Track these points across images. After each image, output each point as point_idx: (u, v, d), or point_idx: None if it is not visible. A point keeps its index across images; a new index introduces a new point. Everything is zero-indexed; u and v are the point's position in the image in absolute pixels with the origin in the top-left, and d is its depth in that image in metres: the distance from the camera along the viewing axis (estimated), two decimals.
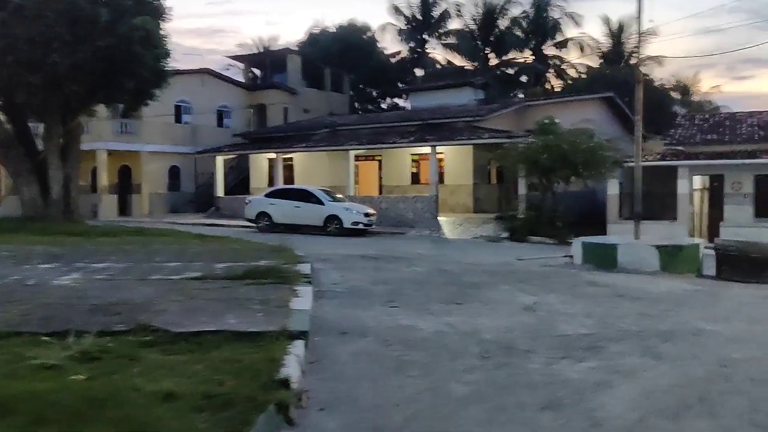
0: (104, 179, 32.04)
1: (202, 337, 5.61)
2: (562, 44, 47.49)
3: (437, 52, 50.88)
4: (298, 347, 5.47)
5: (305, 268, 10.24)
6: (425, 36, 50.09)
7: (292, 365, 4.97)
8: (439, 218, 25.52)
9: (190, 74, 36.17)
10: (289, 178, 31.87)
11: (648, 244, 12.99)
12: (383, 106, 52.22)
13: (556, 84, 47.85)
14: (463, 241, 22.12)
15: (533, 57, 47.35)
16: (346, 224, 22.78)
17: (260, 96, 40.76)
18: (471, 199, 28.59)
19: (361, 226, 23.03)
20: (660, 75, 46.37)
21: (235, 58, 47.08)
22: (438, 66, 49.72)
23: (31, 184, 21.41)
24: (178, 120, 36.21)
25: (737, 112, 30.34)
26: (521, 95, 42.25)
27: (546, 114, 25.19)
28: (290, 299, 7.31)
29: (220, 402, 4.06)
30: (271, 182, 31.42)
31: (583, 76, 45.75)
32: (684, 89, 48.40)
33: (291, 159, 32.54)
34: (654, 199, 23.29)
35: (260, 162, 33.85)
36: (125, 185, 33.86)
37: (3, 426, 3.61)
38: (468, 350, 6.04)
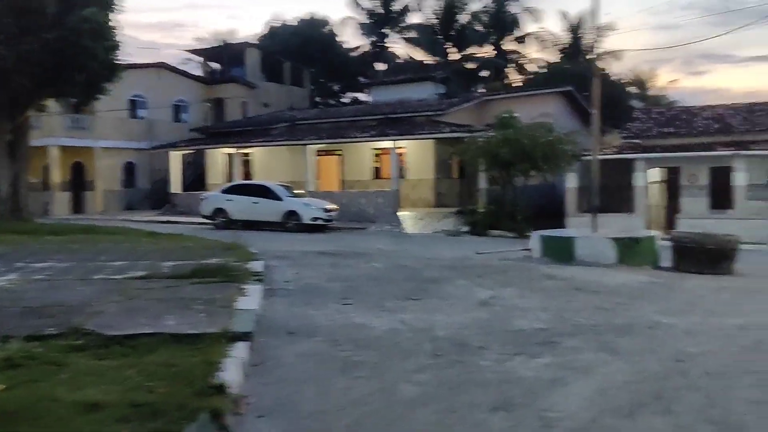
0: (56, 176, 31.11)
1: (137, 340, 5.30)
2: (521, 39, 47.72)
3: (398, 46, 50.76)
4: (240, 349, 5.20)
5: (257, 265, 9.93)
6: (386, 30, 49.84)
7: (232, 369, 4.70)
8: (400, 213, 25.35)
9: (145, 68, 35.32)
10: (247, 174, 31.33)
11: (605, 237, 12.97)
12: (344, 100, 51.83)
13: (516, 79, 48.06)
14: (424, 236, 21.98)
15: (494, 52, 47.48)
16: (305, 220, 22.44)
17: (218, 90, 40.06)
18: (433, 193, 28.48)
19: (320, 222, 22.71)
20: (617, 70, 46.89)
21: (193, 51, 46.17)
22: (399, 60, 49.52)
23: None
24: (133, 115, 35.35)
25: (693, 106, 30.77)
26: (482, 90, 42.34)
27: (506, 108, 25.18)
28: (237, 299, 7.02)
29: (148, 411, 3.78)
30: (228, 178, 30.84)
31: (543, 70, 46.03)
32: (641, 84, 49.06)
33: (249, 154, 31.99)
34: (612, 192, 23.44)
35: (217, 157, 33.21)
36: (78, 182, 32.92)
37: None
38: (421, 348, 5.83)
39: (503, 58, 47.04)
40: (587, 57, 40.71)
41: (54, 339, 5.30)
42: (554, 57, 47.07)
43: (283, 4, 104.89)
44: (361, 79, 48.05)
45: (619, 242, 12.69)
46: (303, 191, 25.30)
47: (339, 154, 30.74)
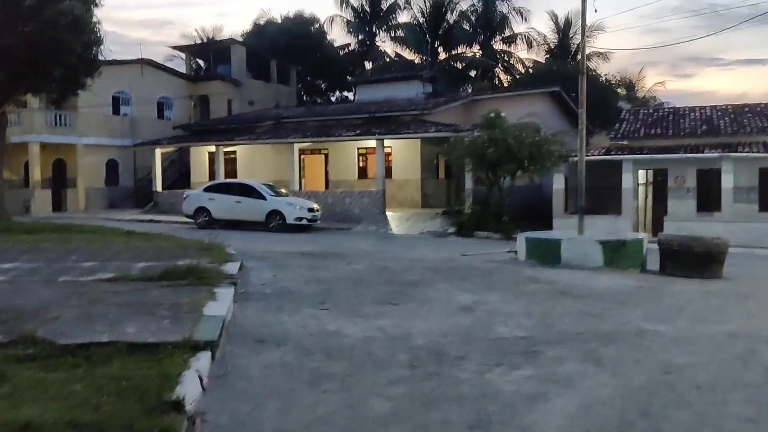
0: (37, 173, 30.52)
1: (91, 349, 4.95)
2: (510, 39, 47.42)
3: (386, 45, 50.40)
4: (202, 360, 4.87)
5: (232, 267, 9.56)
6: (374, 29, 49.46)
7: (190, 382, 4.36)
8: (386, 213, 25.05)
9: (128, 64, 34.80)
10: (231, 172, 30.90)
11: (591, 240, 12.71)
12: (332, 98, 51.43)
13: (505, 79, 47.84)
14: (409, 237, 21.68)
15: (481, 51, 47.22)
16: (289, 220, 22.08)
17: (203, 87, 39.57)
18: (419, 193, 28.18)
19: (304, 222, 22.37)
20: (606, 70, 46.78)
21: (179, 48, 45.61)
22: (387, 59, 49.18)
23: None
24: (116, 112, 34.81)
25: (680, 107, 30.62)
26: (470, 89, 42.06)
27: (493, 108, 24.91)
28: (206, 303, 6.66)
29: None
30: (212, 176, 30.39)
31: (531, 70, 45.83)
32: (629, 85, 48.95)
33: (234, 152, 31.56)
34: (599, 193, 23.25)
35: (201, 155, 32.74)
36: (60, 180, 32.36)
37: None
38: (395, 358, 5.51)
39: (491, 57, 46.76)
40: (576, 57, 40.54)
41: (1, 348, 4.94)
42: (542, 57, 46.91)
43: (272, 2, 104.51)
44: (349, 78, 47.67)
45: (605, 245, 12.44)
46: (287, 190, 24.92)
47: (325, 153, 30.39)
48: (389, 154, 28.01)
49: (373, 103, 31.41)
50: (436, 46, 46.86)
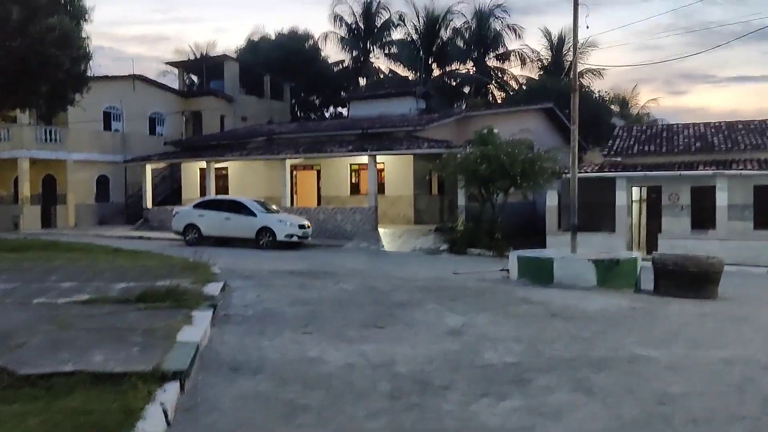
0: (26, 189, 30.24)
1: (53, 380, 4.67)
2: (504, 56, 47.52)
3: (380, 61, 50.44)
4: (169, 392, 4.59)
5: (214, 288, 9.28)
6: (368, 45, 49.51)
7: (154, 417, 4.10)
8: (378, 230, 24.81)
9: (119, 80, 34.68)
10: (223, 188, 30.66)
11: (584, 258, 12.48)
12: (326, 114, 51.36)
13: (498, 95, 47.85)
14: (401, 254, 21.43)
15: (475, 68, 47.26)
16: (280, 237, 21.82)
17: (195, 103, 39.43)
18: (412, 210, 27.97)
19: (295, 239, 22.11)
20: (599, 87, 46.90)
21: (172, 64, 45.58)
22: (381, 75, 49.17)
23: None
24: (107, 127, 34.59)
25: (674, 124, 30.56)
26: (464, 106, 42.00)
27: (486, 124, 24.77)
28: (181, 328, 6.38)
29: None
30: (203, 193, 30.14)
31: (525, 87, 45.86)
32: (623, 102, 49.03)
33: (225, 169, 31.35)
34: (593, 210, 23.08)
35: (192, 171, 32.50)
36: (50, 196, 32.06)
37: None
38: (376, 388, 5.25)
39: (485, 74, 46.81)
40: (568, 73, 40.55)
41: None
42: (536, 74, 46.96)
43: (266, 18, 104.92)
44: (343, 94, 47.64)
45: (599, 264, 12.21)
46: (277, 207, 24.67)
47: (317, 169, 30.19)
48: (382, 170, 27.84)
49: (366, 119, 31.27)
50: (429, 62, 46.89)
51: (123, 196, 34.60)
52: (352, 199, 28.59)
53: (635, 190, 25.52)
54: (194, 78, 46.88)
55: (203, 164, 30.75)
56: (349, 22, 48.50)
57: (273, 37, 50.25)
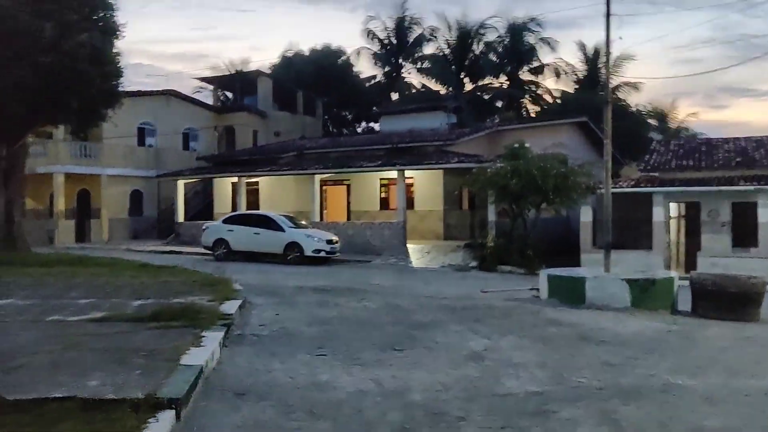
0: (61, 204, 30.62)
1: (45, 406, 4.44)
2: (538, 70, 46.99)
3: (412, 76, 50.28)
4: (162, 421, 4.33)
5: (231, 306, 9.06)
6: (400, 60, 49.45)
7: None
8: (407, 245, 24.48)
9: (154, 96, 35.09)
10: (254, 203, 30.68)
11: (618, 278, 11.95)
12: (358, 129, 51.38)
13: (532, 109, 47.29)
14: (430, 271, 21.04)
15: (509, 82, 46.82)
16: (307, 252, 21.64)
17: (229, 118, 39.70)
18: (441, 225, 27.59)
19: (323, 254, 21.90)
20: (636, 101, 45.93)
21: (206, 80, 46.04)
22: (413, 90, 49.01)
23: None
24: (141, 143, 34.97)
25: (713, 138, 29.72)
26: (497, 120, 41.57)
27: (518, 138, 24.33)
28: (187, 349, 6.14)
29: None
30: (234, 207, 30.20)
31: (559, 101, 45.25)
32: (661, 116, 47.98)
33: (256, 183, 31.38)
34: (629, 226, 22.42)
35: (224, 186, 32.63)
36: (84, 210, 32.44)
37: None
38: (386, 419, 4.92)
39: (519, 88, 46.33)
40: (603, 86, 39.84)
41: None
42: (571, 87, 46.30)
43: (301, 35, 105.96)
44: (375, 109, 47.59)
45: (633, 284, 11.67)
46: (306, 222, 24.54)
47: (347, 184, 30.03)
48: (411, 185, 27.55)
49: (396, 134, 31.05)
50: (461, 77, 46.57)
51: (156, 210, 34.88)
52: (381, 214, 28.34)
53: (673, 206, 24.74)
54: (228, 94, 47.33)
55: (235, 179, 30.84)
56: (382, 38, 48.52)
57: (306, 53, 50.56)
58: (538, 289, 13.25)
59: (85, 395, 4.63)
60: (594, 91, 42.39)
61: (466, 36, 45.59)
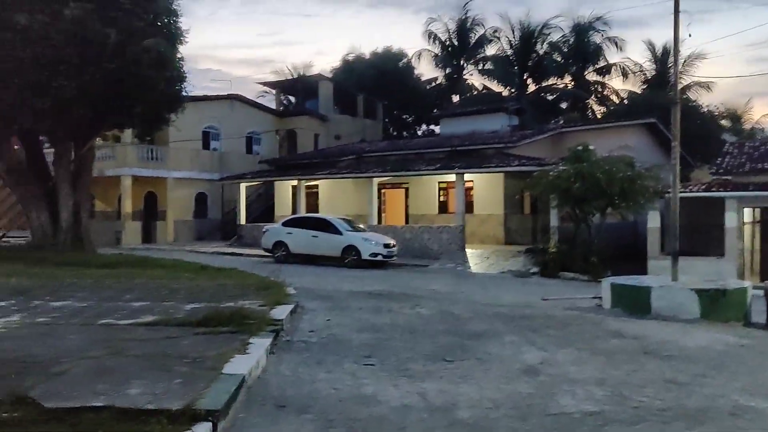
0: (128, 206, 31.54)
1: (81, 415, 4.38)
2: (604, 69, 45.79)
3: (474, 78, 49.76)
4: None
5: (282, 311, 8.96)
6: (462, 62, 48.97)
7: None
8: (465, 250, 24.10)
9: (218, 100, 35.76)
10: (313, 206, 30.87)
11: (686, 288, 11.35)
12: (418, 132, 51.18)
13: (598, 110, 46.07)
14: (488, 277, 20.61)
15: (573, 82, 45.74)
16: (365, 255, 21.56)
17: (290, 122, 40.14)
18: (502, 229, 27.08)
19: (380, 258, 21.77)
20: (708, 101, 44.17)
21: (269, 84, 46.78)
22: (474, 92, 48.48)
23: (40, 211, 20.74)
24: (206, 146, 35.70)
25: None
26: (561, 122, 40.62)
27: (582, 140, 23.60)
28: (232, 357, 6.03)
29: None
30: (294, 210, 30.46)
31: (626, 101, 43.91)
32: (734, 116, 45.97)
33: (316, 186, 31.56)
34: (700, 232, 21.46)
35: (285, 189, 32.97)
36: (151, 212, 33.33)
37: None
38: None
39: (584, 89, 45.20)
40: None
41: None
42: (639, 88, 44.89)
43: (363, 38, 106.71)
44: (435, 111, 47.29)
45: (702, 294, 11.07)
46: (364, 225, 24.46)
47: (405, 187, 29.86)
48: (471, 188, 27.14)
49: (456, 137, 30.69)
50: (524, 77, 45.79)
51: (220, 212, 35.53)
52: (440, 217, 28.03)
53: (747, 211, 23.54)
54: (291, 98, 47.92)
55: (295, 182, 31.10)
56: (443, 39, 48.19)
57: (367, 56, 50.69)
58: (600, 298, 12.75)
59: (123, 405, 4.54)
60: (663, 91, 40.96)
61: (529, 36, 44.80)
